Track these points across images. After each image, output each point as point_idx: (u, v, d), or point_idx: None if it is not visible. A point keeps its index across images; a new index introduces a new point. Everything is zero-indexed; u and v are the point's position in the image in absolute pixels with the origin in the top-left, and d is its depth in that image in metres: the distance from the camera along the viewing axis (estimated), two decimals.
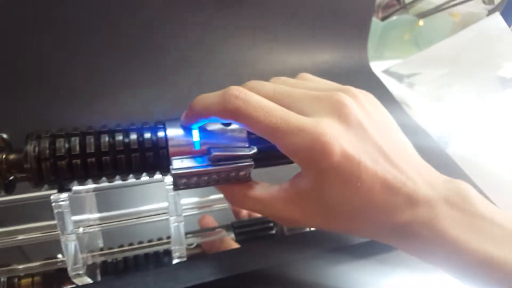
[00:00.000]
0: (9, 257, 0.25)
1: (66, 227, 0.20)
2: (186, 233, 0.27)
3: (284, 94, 0.19)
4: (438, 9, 0.66)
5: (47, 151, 0.19)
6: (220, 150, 0.19)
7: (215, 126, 0.20)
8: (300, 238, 0.27)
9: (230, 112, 0.18)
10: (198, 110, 0.19)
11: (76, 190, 0.22)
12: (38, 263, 0.24)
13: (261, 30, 0.51)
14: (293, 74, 0.23)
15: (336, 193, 0.18)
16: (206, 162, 0.19)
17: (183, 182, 0.19)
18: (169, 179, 0.21)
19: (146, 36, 0.46)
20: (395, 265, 0.24)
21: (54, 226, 0.21)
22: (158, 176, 0.21)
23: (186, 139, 0.20)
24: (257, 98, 0.18)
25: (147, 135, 0.20)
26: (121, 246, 0.26)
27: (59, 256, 0.24)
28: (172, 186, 0.20)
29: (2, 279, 0.24)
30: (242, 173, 0.20)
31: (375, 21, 0.62)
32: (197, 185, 0.20)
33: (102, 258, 0.26)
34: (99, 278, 0.26)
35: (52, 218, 0.21)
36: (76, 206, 0.22)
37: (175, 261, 0.24)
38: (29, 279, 0.25)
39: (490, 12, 0.61)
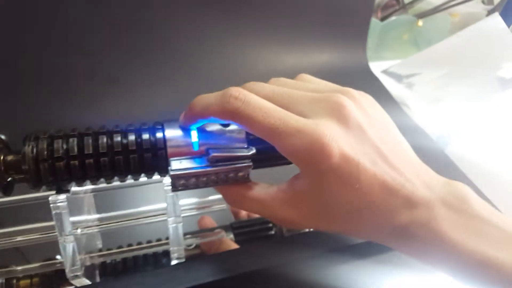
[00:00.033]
0: (7, 258, 0.25)
1: (64, 228, 0.20)
2: (185, 234, 0.27)
3: (283, 96, 0.19)
4: (437, 9, 0.66)
5: (45, 152, 0.19)
6: (219, 151, 0.19)
7: (214, 127, 0.20)
8: (299, 238, 0.27)
9: (229, 113, 0.18)
10: (197, 111, 0.19)
11: (74, 191, 0.22)
12: (36, 264, 0.24)
13: (260, 30, 0.51)
14: (292, 74, 0.23)
15: (334, 195, 0.18)
16: (204, 163, 0.19)
17: (181, 183, 0.19)
18: (167, 180, 0.21)
19: (146, 37, 0.46)
20: (394, 265, 0.24)
21: (52, 227, 0.21)
22: (156, 176, 0.21)
23: (185, 140, 0.20)
24: (256, 99, 0.18)
25: (145, 136, 0.20)
26: (120, 247, 0.26)
27: (58, 257, 0.24)
28: (170, 187, 0.20)
29: (0, 280, 0.24)
30: (240, 174, 0.20)
31: (374, 21, 0.62)
32: (195, 186, 0.20)
33: (101, 259, 0.26)
34: (97, 279, 0.26)
35: (51, 219, 0.21)
36: (75, 207, 0.22)
37: (173, 262, 0.24)
38: (28, 281, 0.25)
39: (490, 12, 0.62)
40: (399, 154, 0.19)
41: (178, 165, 0.19)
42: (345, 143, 0.17)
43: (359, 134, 0.18)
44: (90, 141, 0.19)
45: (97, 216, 0.26)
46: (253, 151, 0.20)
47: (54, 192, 0.20)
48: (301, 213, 0.19)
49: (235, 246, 0.28)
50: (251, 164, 0.20)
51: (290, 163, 0.21)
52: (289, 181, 0.20)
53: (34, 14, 0.39)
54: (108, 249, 0.26)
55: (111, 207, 0.26)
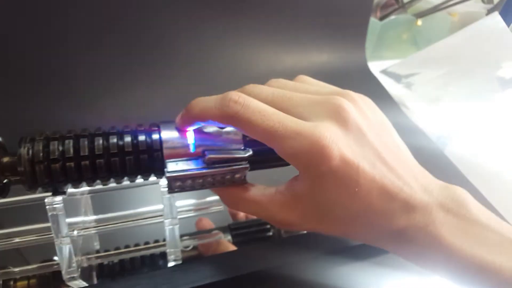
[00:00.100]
0: (4, 259, 0.25)
1: (60, 230, 0.20)
2: (182, 236, 0.27)
3: (283, 98, 0.19)
4: (436, 8, 0.66)
5: (41, 154, 0.19)
6: (215, 153, 0.19)
7: (211, 128, 0.20)
8: (297, 240, 0.27)
9: (229, 117, 0.18)
10: (195, 113, 0.19)
11: (71, 192, 0.21)
12: (34, 266, 0.24)
13: (259, 30, 0.51)
14: (291, 74, 0.23)
15: (333, 197, 0.18)
16: (201, 165, 0.19)
17: (177, 185, 0.19)
18: (164, 181, 0.21)
19: (145, 37, 0.46)
20: (392, 267, 0.24)
21: (49, 229, 0.21)
22: (153, 178, 0.21)
23: (181, 142, 0.20)
24: (255, 102, 0.18)
25: (142, 137, 0.20)
26: (117, 248, 0.26)
27: (55, 258, 0.24)
28: (166, 189, 0.19)
29: None
30: (237, 175, 0.20)
31: (373, 21, 0.62)
32: (192, 188, 0.20)
33: (98, 261, 0.25)
34: (95, 280, 0.26)
35: (47, 221, 0.21)
36: (71, 208, 0.22)
37: (170, 264, 0.24)
38: (25, 282, 0.25)
39: (489, 12, 0.61)
40: (398, 157, 0.19)
41: (174, 166, 0.19)
42: (345, 145, 0.17)
43: (359, 137, 0.18)
44: (86, 142, 0.19)
45: (94, 217, 0.26)
46: (250, 152, 0.20)
47: (50, 193, 0.20)
48: (299, 215, 0.19)
49: (232, 247, 0.28)
50: (247, 165, 0.20)
51: (287, 164, 0.21)
52: (287, 183, 0.20)
53: (32, 15, 0.39)
54: (106, 251, 0.26)
55: (108, 208, 0.26)
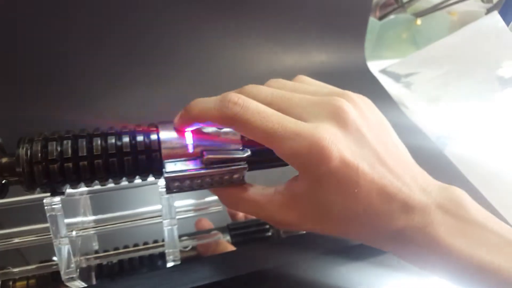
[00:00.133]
0: (4, 260, 0.25)
1: (59, 230, 0.20)
2: (181, 236, 0.27)
3: (282, 99, 0.19)
4: (436, 7, 0.66)
5: (39, 155, 0.19)
6: (214, 153, 0.19)
7: (209, 129, 0.20)
8: (296, 240, 0.27)
9: (228, 118, 0.18)
10: (194, 115, 0.19)
11: (70, 193, 0.21)
12: (33, 266, 0.24)
13: (259, 30, 0.51)
14: (291, 74, 0.23)
15: (332, 198, 0.18)
16: (199, 165, 0.19)
17: (176, 185, 0.19)
18: (162, 182, 0.21)
19: (144, 37, 0.46)
20: (391, 267, 0.24)
21: (48, 229, 0.21)
22: (151, 178, 0.21)
23: (179, 142, 0.20)
24: (254, 104, 0.18)
25: (140, 138, 0.20)
26: (116, 249, 0.26)
27: (54, 258, 0.24)
28: (165, 189, 0.19)
29: None
30: (235, 176, 0.20)
31: (373, 21, 0.62)
32: (190, 188, 0.20)
33: (97, 261, 0.25)
34: (93, 281, 0.26)
35: (46, 221, 0.21)
36: (70, 209, 0.22)
37: (169, 264, 0.24)
38: (24, 282, 0.25)
39: (489, 11, 0.61)
40: (397, 158, 0.19)
41: (172, 167, 0.19)
42: (345, 146, 0.17)
43: (358, 138, 0.18)
44: (84, 143, 0.19)
45: (93, 218, 0.26)
46: (248, 153, 0.20)
47: (48, 194, 0.20)
48: (298, 215, 0.19)
49: (231, 247, 0.28)
50: (246, 166, 0.20)
51: (285, 164, 0.21)
52: (286, 183, 0.20)
53: (32, 16, 0.39)
54: (105, 251, 0.26)
55: (107, 208, 0.26)
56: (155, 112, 0.46)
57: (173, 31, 0.47)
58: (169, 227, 0.23)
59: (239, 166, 0.19)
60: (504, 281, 0.16)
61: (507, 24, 0.52)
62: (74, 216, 0.23)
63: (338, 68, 0.55)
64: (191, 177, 0.19)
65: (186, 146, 0.20)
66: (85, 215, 0.26)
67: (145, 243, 0.27)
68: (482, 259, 0.16)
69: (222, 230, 0.29)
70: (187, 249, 0.27)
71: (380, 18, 0.65)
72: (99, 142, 0.19)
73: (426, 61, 0.57)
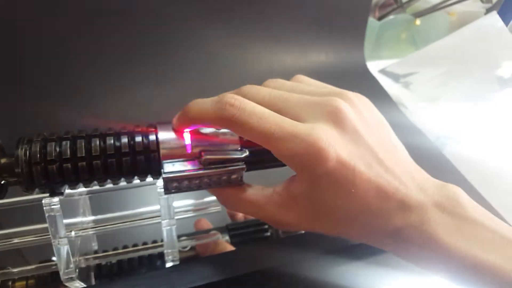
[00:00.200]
0: (3, 260, 0.25)
1: (58, 230, 0.20)
2: (180, 236, 0.27)
3: (280, 99, 0.19)
4: (435, 8, 0.66)
5: (38, 155, 0.19)
6: (212, 154, 0.19)
7: (207, 129, 0.20)
8: (295, 240, 0.27)
9: (225, 120, 0.18)
10: (192, 116, 0.19)
11: (69, 193, 0.22)
12: (32, 266, 0.24)
13: (258, 30, 0.51)
14: (290, 74, 0.23)
15: (330, 198, 0.18)
16: (197, 166, 0.19)
17: (174, 186, 0.19)
18: (160, 182, 0.21)
19: (144, 37, 0.46)
20: (391, 267, 0.24)
21: (47, 229, 0.21)
22: (150, 179, 0.21)
23: (178, 143, 0.20)
24: (251, 105, 0.18)
25: (138, 138, 0.20)
26: (115, 249, 0.26)
27: (54, 259, 0.24)
28: (163, 190, 0.20)
29: None
30: (234, 176, 0.20)
31: (372, 21, 0.62)
32: (188, 189, 0.20)
33: (96, 261, 0.26)
34: (93, 281, 0.26)
35: (45, 221, 0.21)
36: (69, 209, 0.22)
37: (168, 265, 0.24)
38: (23, 282, 0.25)
39: (488, 11, 0.61)
40: (394, 157, 0.19)
41: (171, 167, 0.19)
42: (342, 147, 0.17)
43: (355, 138, 0.18)
44: (83, 143, 0.19)
45: (92, 218, 0.26)
46: (246, 153, 0.20)
47: (47, 194, 0.20)
48: (296, 215, 0.19)
49: (230, 247, 0.28)
50: (244, 166, 0.20)
51: (283, 165, 0.21)
52: (284, 184, 0.20)
53: (32, 16, 0.39)
54: (104, 251, 0.26)
55: (106, 209, 0.26)
56: (155, 112, 0.46)
57: (173, 31, 0.47)
58: (168, 227, 0.23)
59: (237, 167, 0.20)
60: (499, 278, 0.16)
61: (506, 24, 0.52)
62: (73, 216, 0.23)
63: (337, 68, 0.55)
64: (189, 178, 0.19)
65: (184, 146, 0.20)
66: (84, 215, 0.26)
67: (144, 243, 0.27)
68: (478, 257, 0.16)
69: (221, 230, 0.29)
70: (186, 249, 0.27)
71: (380, 18, 0.66)
72: (97, 142, 0.19)
73: (425, 61, 0.57)
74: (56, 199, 0.20)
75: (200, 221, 0.31)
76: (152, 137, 0.20)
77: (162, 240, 0.24)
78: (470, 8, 0.64)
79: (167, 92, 0.48)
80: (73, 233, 0.23)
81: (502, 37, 0.52)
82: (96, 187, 0.21)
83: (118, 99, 0.46)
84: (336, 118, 0.18)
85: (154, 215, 0.25)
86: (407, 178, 0.18)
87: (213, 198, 0.26)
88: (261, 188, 0.20)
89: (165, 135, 0.20)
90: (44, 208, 0.20)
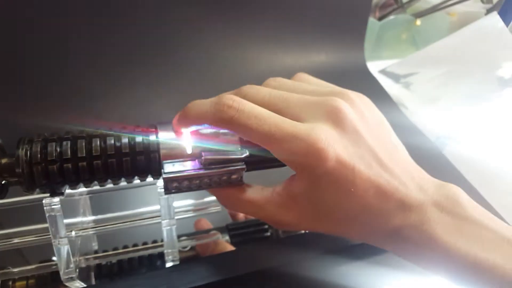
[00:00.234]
0: (3, 260, 0.25)
1: (58, 230, 0.20)
2: (180, 236, 0.27)
3: (280, 99, 0.19)
4: (435, 8, 0.66)
5: (39, 155, 0.19)
6: (212, 154, 0.19)
7: (207, 130, 0.20)
8: (295, 240, 0.27)
9: (224, 122, 0.18)
10: (191, 118, 0.19)
11: (69, 193, 0.22)
12: (32, 266, 0.24)
13: (258, 30, 0.51)
14: (290, 74, 0.23)
15: (330, 198, 0.18)
16: (197, 166, 0.19)
17: (174, 186, 0.19)
18: (161, 182, 0.21)
19: (144, 37, 0.46)
20: (391, 267, 0.24)
21: (48, 229, 0.21)
22: (150, 179, 0.21)
23: (178, 143, 0.20)
24: (250, 106, 0.18)
25: (139, 139, 0.20)
26: (115, 249, 0.26)
27: (54, 258, 0.24)
28: (163, 190, 0.20)
29: None
30: (234, 176, 0.20)
31: (372, 21, 0.62)
32: (188, 189, 0.20)
33: (96, 261, 0.26)
34: (93, 281, 0.26)
35: (45, 221, 0.21)
36: (70, 209, 0.22)
37: (168, 264, 0.24)
38: (24, 282, 0.25)
39: (488, 11, 0.61)
40: (394, 157, 0.19)
41: (171, 168, 0.19)
42: (341, 147, 0.17)
43: (355, 138, 0.18)
44: (84, 144, 0.19)
45: (92, 218, 0.26)
46: (246, 153, 0.20)
47: (48, 194, 0.20)
48: (296, 215, 0.19)
49: (230, 247, 0.28)
50: (244, 166, 0.20)
51: (283, 165, 0.21)
52: (284, 184, 0.20)
53: (32, 16, 0.39)
54: (104, 251, 0.26)
55: (107, 209, 0.26)
56: (155, 112, 0.46)
57: (173, 31, 0.47)
58: (168, 227, 0.23)
59: (237, 167, 0.20)
60: (499, 278, 0.16)
61: (507, 24, 0.52)
62: (74, 216, 0.23)
63: (337, 68, 0.55)
64: (189, 178, 0.19)
65: (184, 147, 0.20)
66: (84, 215, 0.26)
67: (144, 243, 0.27)
68: (477, 256, 0.16)
69: (221, 230, 0.29)
70: (186, 249, 0.27)
71: (380, 19, 0.66)
72: (98, 143, 0.19)
73: (425, 62, 0.57)
74: (56, 199, 0.20)
75: (200, 221, 0.31)
76: (152, 138, 0.20)
77: (162, 240, 0.24)
78: (471, 8, 0.64)
79: (167, 92, 0.48)
80: (73, 233, 0.23)
81: (502, 37, 0.52)
82: (97, 187, 0.21)
83: (118, 99, 0.46)
84: (336, 118, 0.18)
85: (154, 215, 0.25)
86: (407, 178, 0.18)
87: (213, 198, 0.26)
88: (260, 188, 0.20)
89: (166, 136, 0.20)
90: (45, 208, 0.20)
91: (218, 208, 0.26)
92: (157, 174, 0.20)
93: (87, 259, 0.25)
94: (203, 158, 0.19)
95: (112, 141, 0.19)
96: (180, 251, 0.25)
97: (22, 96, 0.42)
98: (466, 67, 0.55)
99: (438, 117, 0.51)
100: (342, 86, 0.21)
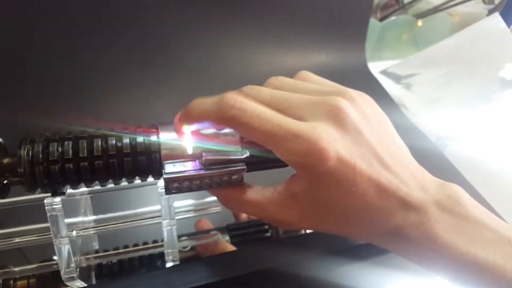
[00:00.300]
0: (5, 259, 0.25)
1: (59, 230, 0.20)
2: (180, 236, 0.27)
3: (282, 99, 0.19)
4: (437, 9, 0.66)
5: (41, 155, 0.19)
6: (212, 154, 0.19)
7: (208, 130, 0.20)
8: (295, 240, 0.27)
9: (226, 120, 0.18)
10: (194, 116, 0.19)
11: (70, 193, 0.22)
12: (33, 266, 0.24)
13: (259, 31, 0.51)
14: (291, 75, 0.23)
15: (331, 197, 0.18)
16: (198, 166, 0.19)
17: (175, 186, 0.19)
18: (161, 182, 0.21)
19: (145, 38, 0.46)
20: (392, 267, 0.24)
21: (49, 229, 0.21)
22: (151, 179, 0.21)
23: (179, 144, 0.20)
24: (252, 106, 0.18)
25: (140, 139, 0.20)
26: (116, 248, 0.26)
27: (55, 258, 0.24)
28: (164, 190, 0.20)
29: None
30: (234, 177, 0.20)
31: (374, 22, 0.62)
32: (189, 189, 0.20)
33: (97, 261, 0.26)
34: (93, 280, 0.26)
35: (47, 221, 0.21)
36: (71, 209, 0.22)
37: (168, 264, 0.24)
38: (25, 281, 0.25)
39: (490, 12, 0.61)
40: (396, 156, 0.19)
41: (172, 168, 0.19)
42: (342, 146, 0.17)
43: (356, 137, 0.18)
44: (85, 144, 0.19)
45: (93, 217, 0.26)
46: (247, 154, 0.20)
47: (49, 194, 0.20)
48: (298, 214, 0.19)
49: (231, 248, 0.28)
50: (244, 167, 0.20)
51: (284, 166, 0.21)
52: (285, 183, 0.20)
53: (33, 17, 0.40)
54: (105, 251, 0.26)
55: (107, 209, 0.26)
56: (156, 112, 0.46)
57: (173, 32, 0.47)
58: (168, 228, 0.23)
59: (238, 167, 0.20)
60: (499, 278, 0.16)
61: (509, 25, 0.52)
62: (75, 216, 0.23)
63: (338, 69, 0.55)
64: (190, 178, 0.19)
65: (185, 147, 0.20)
66: (85, 215, 0.26)
67: (145, 243, 0.27)
68: (477, 256, 0.16)
69: (221, 230, 0.29)
70: (186, 249, 0.27)
71: (381, 19, 0.66)
72: (99, 143, 0.19)
73: (426, 62, 0.57)
74: (58, 199, 0.20)
75: (201, 221, 0.31)
76: (153, 138, 0.20)
77: (162, 240, 0.24)
78: (472, 9, 0.64)
79: (167, 92, 0.48)
80: (74, 232, 0.23)
81: (504, 38, 0.52)
82: (98, 187, 0.21)
83: (118, 99, 0.46)
84: (337, 118, 0.18)
85: (155, 215, 0.25)
86: (408, 177, 0.18)
87: (214, 198, 0.26)
88: (261, 188, 0.20)
89: (166, 136, 0.20)
90: (46, 207, 0.20)
91: (218, 208, 0.26)
92: (158, 174, 0.20)
93: (87, 259, 0.25)
94: (203, 158, 0.19)
95: (114, 142, 0.20)
96: (180, 251, 0.25)
97: (22, 96, 0.42)
98: (468, 68, 0.55)
99: (439, 118, 0.51)
100: (343, 86, 0.21)
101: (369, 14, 0.56)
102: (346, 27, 0.55)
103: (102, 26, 0.43)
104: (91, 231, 0.25)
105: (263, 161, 0.21)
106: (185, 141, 0.20)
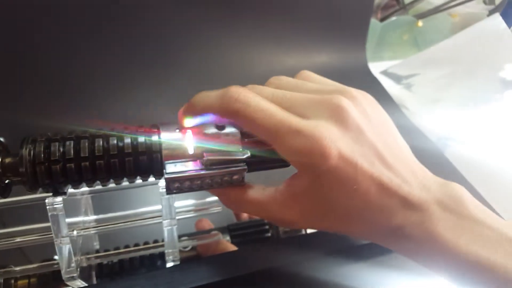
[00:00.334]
0: (6, 258, 0.25)
1: (60, 230, 0.20)
2: (181, 236, 0.27)
3: (283, 99, 0.19)
4: (437, 9, 0.66)
5: (42, 155, 0.19)
6: (213, 154, 0.19)
7: (209, 130, 0.21)
8: (296, 240, 0.27)
9: (230, 113, 0.18)
10: (198, 108, 0.19)
11: (71, 192, 0.22)
12: (34, 265, 0.24)
13: (259, 31, 0.51)
14: (291, 75, 0.23)
15: (332, 195, 0.18)
16: (199, 166, 0.19)
17: (176, 186, 0.19)
18: (162, 182, 0.21)
19: (145, 38, 0.46)
20: (392, 267, 0.24)
21: (50, 228, 0.21)
22: (152, 179, 0.21)
23: (180, 143, 0.20)
24: (256, 100, 0.18)
25: (141, 139, 0.20)
26: (117, 248, 0.26)
27: (56, 257, 0.24)
28: (165, 190, 0.20)
29: None
30: (235, 177, 0.20)
31: (374, 22, 0.62)
32: (190, 189, 0.20)
33: (97, 261, 0.26)
34: (94, 280, 0.26)
35: (48, 220, 0.21)
36: (72, 208, 0.22)
37: (169, 264, 0.24)
38: (26, 281, 0.25)
39: (491, 13, 0.61)
40: (397, 155, 0.19)
41: (173, 168, 0.19)
42: (344, 144, 0.17)
43: (358, 135, 0.18)
44: (87, 144, 0.19)
45: (94, 217, 0.26)
46: (248, 154, 0.20)
47: (51, 194, 0.20)
48: (299, 213, 0.19)
49: (231, 248, 0.28)
50: (245, 167, 0.20)
51: (284, 166, 0.21)
52: (286, 182, 0.20)
53: (33, 16, 0.40)
54: (106, 250, 0.26)
55: (108, 208, 0.26)
56: (157, 112, 0.47)
57: (174, 32, 0.47)
58: (169, 227, 0.23)
59: (239, 168, 0.20)
60: (499, 277, 0.16)
61: (509, 26, 0.52)
62: (76, 215, 0.23)
63: (339, 69, 0.55)
64: (191, 178, 0.19)
65: (186, 147, 0.20)
66: (86, 214, 0.26)
67: (146, 243, 0.27)
68: (478, 255, 0.16)
69: (222, 230, 0.29)
70: (187, 249, 0.27)
71: (382, 20, 0.66)
72: (101, 143, 0.19)
73: (427, 63, 0.57)
74: (59, 199, 0.20)
75: (201, 221, 0.31)
76: (154, 138, 0.20)
77: (163, 240, 0.24)
78: (473, 9, 0.64)
79: (168, 93, 0.49)
80: (75, 232, 0.23)
81: (504, 39, 0.52)
82: (99, 187, 0.21)
83: (119, 99, 0.46)
84: (338, 116, 0.18)
85: (156, 215, 0.25)
86: (409, 176, 0.18)
87: (214, 198, 0.26)
88: (262, 188, 0.20)
89: (168, 136, 0.20)
90: (47, 207, 0.20)
91: (219, 208, 0.26)
92: (159, 174, 0.20)
93: (88, 259, 0.25)
94: (205, 158, 0.19)
95: (115, 141, 0.20)
96: (181, 251, 0.25)
97: (23, 96, 0.42)
98: (468, 68, 0.55)
99: (439, 118, 0.51)
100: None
101: (370, 15, 0.56)
102: (346, 27, 0.55)
103: (102, 26, 0.43)
104: (92, 231, 0.25)
105: (264, 161, 0.21)
106: (186, 141, 0.20)
